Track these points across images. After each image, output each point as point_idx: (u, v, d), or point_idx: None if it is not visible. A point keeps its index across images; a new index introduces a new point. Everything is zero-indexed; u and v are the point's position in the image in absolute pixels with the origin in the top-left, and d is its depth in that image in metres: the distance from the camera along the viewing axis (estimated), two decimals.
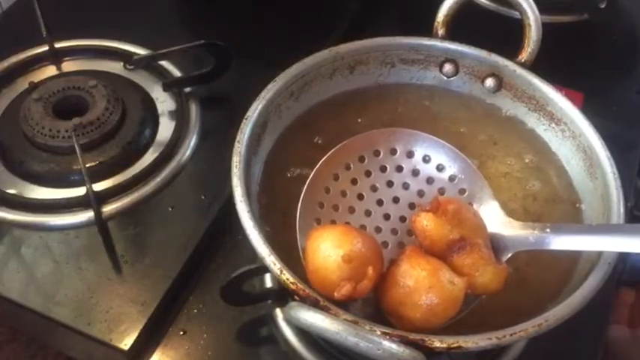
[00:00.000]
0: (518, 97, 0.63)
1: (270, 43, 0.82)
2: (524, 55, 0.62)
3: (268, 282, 0.62)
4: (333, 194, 0.54)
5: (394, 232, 0.55)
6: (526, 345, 0.60)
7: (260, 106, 0.57)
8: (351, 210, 0.55)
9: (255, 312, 0.61)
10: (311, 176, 0.53)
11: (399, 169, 0.56)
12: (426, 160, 0.56)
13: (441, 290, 0.47)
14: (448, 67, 0.65)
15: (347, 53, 0.63)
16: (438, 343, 0.44)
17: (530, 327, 0.45)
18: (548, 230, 0.50)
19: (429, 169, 0.56)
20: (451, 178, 0.56)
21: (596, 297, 0.48)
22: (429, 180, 0.56)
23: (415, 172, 0.56)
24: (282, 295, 0.51)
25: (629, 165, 0.74)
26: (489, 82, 0.64)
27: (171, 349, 0.59)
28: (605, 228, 0.52)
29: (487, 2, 0.87)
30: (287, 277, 0.46)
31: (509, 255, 0.52)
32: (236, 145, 0.54)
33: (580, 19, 0.88)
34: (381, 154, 0.56)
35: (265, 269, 0.50)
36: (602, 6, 0.85)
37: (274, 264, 0.47)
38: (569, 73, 0.78)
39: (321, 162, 0.54)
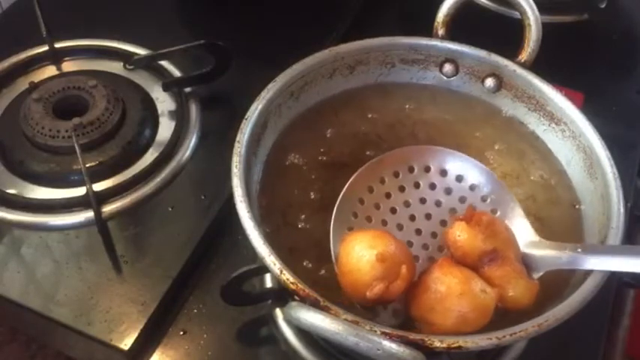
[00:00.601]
0: (518, 97, 0.63)
1: (270, 43, 0.82)
2: (524, 55, 0.62)
3: (268, 282, 0.62)
4: (367, 206, 0.55)
5: (425, 247, 0.55)
6: (526, 345, 0.60)
7: (260, 106, 0.57)
8: (384, 223, 0.55)
9: (255, 312, 0.61)
10: (347, 186, 0.54)
11: (433, 186, 0.57)
12: (459, 179, 0.57)
13: (472, 298, 0.47)
14: (448, 67, 0.65)
15: (347, 53, 0.63)
16: (438, 343, 0.44)
17: (530, 327, 0.45)
18: (579, 250, 0.50)
19: (462, 188, 0.57)
20: (483, 198, 0.56)
21: (596, 297, 0.48)
22: (462, 199, 0.57)
23: (448, 191, 0.57)
24: (282, 295, 0.51)
25: (629, 165, 0.74)
26: (489, 82, 0.64)
27: (171, 349, 0.59)
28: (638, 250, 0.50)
29: (487, 2, 0.87)
30: (287, 277, 0.46)
31: (541, 274, 0.51)
32: (236, 145, 0.54)
33: (580, 19, 0.88)
34: (415, 170, 0.57)
35: (265, 269, 0.50)
36: (602, 6, 0.85)
37: (274, 264, 0.47)
38: (569, 73, 0.78)
39: (356, 174, 0.55)
